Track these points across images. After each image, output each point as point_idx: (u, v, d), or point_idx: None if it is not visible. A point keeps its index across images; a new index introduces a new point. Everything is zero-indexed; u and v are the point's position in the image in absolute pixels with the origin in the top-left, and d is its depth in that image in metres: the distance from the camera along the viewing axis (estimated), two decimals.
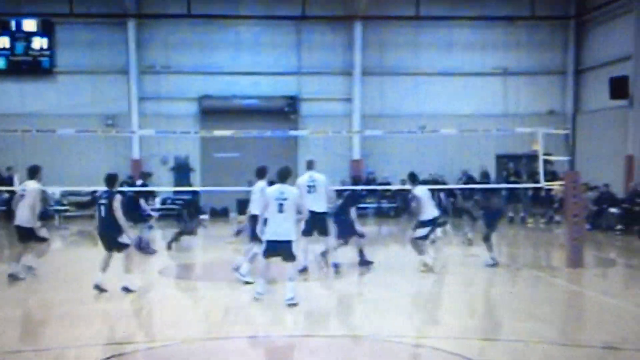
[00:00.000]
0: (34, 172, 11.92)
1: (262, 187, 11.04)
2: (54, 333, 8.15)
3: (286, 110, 25.96)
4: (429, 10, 26.06)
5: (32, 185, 11.77)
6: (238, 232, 15.59)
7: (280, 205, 9.35)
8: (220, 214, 25.78)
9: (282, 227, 9.37)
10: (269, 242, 9.46)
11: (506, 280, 12.76)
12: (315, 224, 11.74)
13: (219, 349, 7.69)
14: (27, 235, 11.60)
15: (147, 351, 7.55)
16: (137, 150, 25.83)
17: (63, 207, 24.03)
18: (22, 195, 11.63)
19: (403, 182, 23.06)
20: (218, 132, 17.56)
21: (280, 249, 9.41)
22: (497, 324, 8.64)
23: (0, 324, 8.50)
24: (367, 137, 25.57)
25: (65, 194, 24.21)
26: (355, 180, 16.88)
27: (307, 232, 11.96)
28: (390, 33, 26.52)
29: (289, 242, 9.41)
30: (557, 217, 21.41)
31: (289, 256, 9.45)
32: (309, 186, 11.85)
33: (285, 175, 9.76)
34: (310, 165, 12.24)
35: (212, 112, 25.75)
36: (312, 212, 11.09)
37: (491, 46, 26.85)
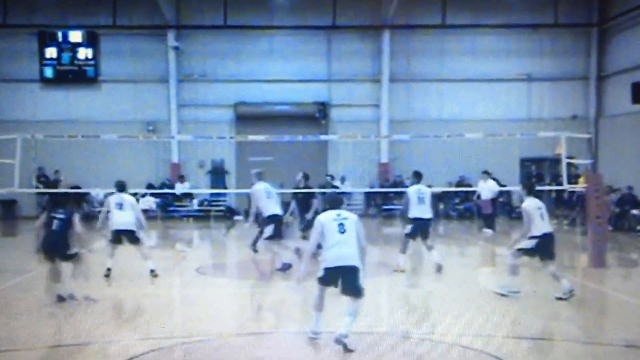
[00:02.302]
0: (123, 186, 12.37)
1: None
2: (95, 328, 8.23)
3: (317, 116, 25.98)
4: (455, 19, 25.89)
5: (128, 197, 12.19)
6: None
7: (341, 225, 7.45)
8: None
9: (346, 249, 7.36)
10: (329, 269, 7.36)
11: (530, 279, 12.58)
12: (278, 227, 12.21)
13: (254, 344, 7.71)
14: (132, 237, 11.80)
15: (183, 346, 7.59)
16: (176, 155, 26.06)
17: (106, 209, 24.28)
18: (121, 204, 11.90)
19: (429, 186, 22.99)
20: (252, 137, 17.69)
21: (343, 276, 7.35)
22: (521, 323, 8.52)
23: (45, 320, 8.62)
24: (395, 142, 25.47)
25: (108, 196, 24.50)
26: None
27: (273, 237, 12.19)
28: (416, 41, 26.40)
29: (354, 269, 7.34)
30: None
31: (354, 287, 7.34)
32: (267, 192, 12.38)
33: (335, 203, 7.89)
34: (260, 177, 12.70)
35: (247, 118, 25.89)
36: (275, 216, 12.11)
37: (515, 53, 26.56)
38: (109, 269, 11.51)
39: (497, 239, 19.54)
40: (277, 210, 12.30)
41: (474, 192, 23.47)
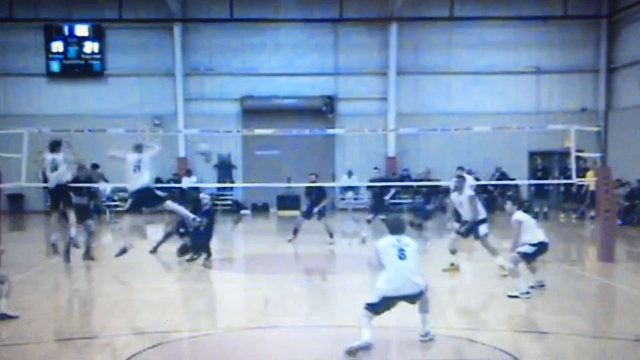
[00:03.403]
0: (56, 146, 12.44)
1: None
2: (103, 322, 8.28)
3: (324, 110, 25.94)
4: (463, 11, 25.80)
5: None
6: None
7: (402, 250, 6.98)
8: (261, 209, 25.93)
9: (408, 275, 6.94)
10: (389, 298, 6.93)
11: (538, 273, 12.56)
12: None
13: (260, 338, 7.73)
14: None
15: (190, 339, 7.63)
16: (183, 149, 26.10)
17: (114, 203, 24.40)
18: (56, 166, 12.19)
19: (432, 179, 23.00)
20: (259, 131, 17.68)
21: (408, 299, 7.08)
22: (530, 317, 8.52)
23: (53, 313, 8.68)
24: (402, 135, 25.43)
25: (115, 190, 24.57)
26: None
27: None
28: (424, 34, 26.32)
29: (420, 293, 7.08)
30: (592, 213, 21.03)
31: (418, 298, 7.13)
32: (135, 166, 11.73)
33: (398, 229, 7.25)
34: (138, 149, 12.03)
35: (254, 111, 25.88)
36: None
37: (524, 45, 26.44)
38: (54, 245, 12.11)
39: (504, 233, 19.50)
40: (138, 185, 11.64)
41: (485, 186, 23.45)
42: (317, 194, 15.86)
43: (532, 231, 9.94)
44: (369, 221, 15.83)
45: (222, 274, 12.46)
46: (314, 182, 16.04)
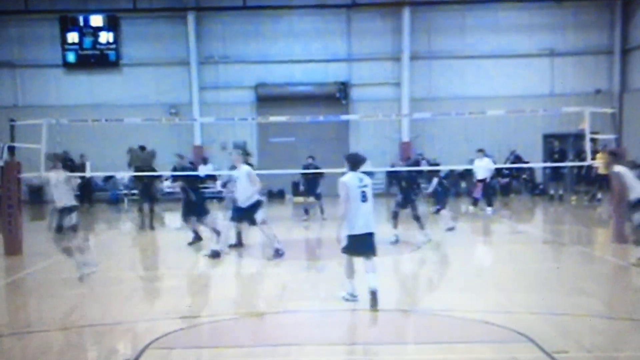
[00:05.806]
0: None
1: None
2: (125, 308, 8.39)
3: (338, 96, 25.91)
4: None
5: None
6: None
7: (364, 193, 7.95)
8: (276, 195, 26.04)
9: (368, 217, 7.98)
10: (354, 236, 7.98)
11: (553, 255, 12.57)
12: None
13: (278, 322, 7.81)
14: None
15: (211, 324, 7.72)
16: (199, 137, 26.22)
17: (131, 191, 24.58)
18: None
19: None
20: (274, 118, 17.68)
21: (366, 243, 8.06)
22: (545, 298, 8.53)
23: (75, 300, 8.80)
24: (416, 120, 25.38)
25: (132, 179, 24.74)
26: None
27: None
28: (437, 18, 26.17)
29: (373, 234, 8.11)
30: (599, 196, 20.94)
31: (373, 251, 8.16)
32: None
33: (358, 162, 8.17)
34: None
35: (268, 99, 25.93)
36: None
37: (538, 28, 26.22)
38: None
39: (521, 216, 19.50)
40: None
41: (498, 170, 23.39)
42: (314, 175, 17.09)
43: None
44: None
45: (239, 260, 12.56)
46: (310, 164, 17.29)
